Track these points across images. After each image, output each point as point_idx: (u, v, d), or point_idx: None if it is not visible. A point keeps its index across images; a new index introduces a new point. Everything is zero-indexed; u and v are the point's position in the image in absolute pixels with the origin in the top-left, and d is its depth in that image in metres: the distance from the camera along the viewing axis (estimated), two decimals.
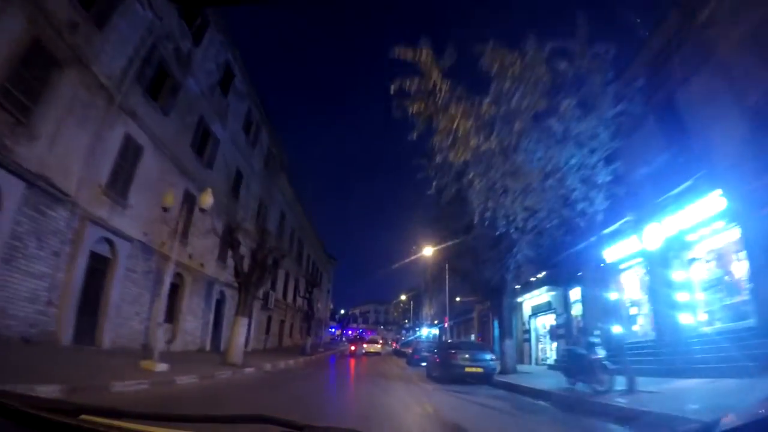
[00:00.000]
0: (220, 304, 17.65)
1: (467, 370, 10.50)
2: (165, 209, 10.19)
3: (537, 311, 18.43)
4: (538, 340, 18.81)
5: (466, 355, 10.76)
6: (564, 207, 9.05)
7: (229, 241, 11.87)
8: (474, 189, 8.28)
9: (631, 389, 7.22)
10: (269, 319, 25.02)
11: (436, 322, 42.42)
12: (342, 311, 78.87)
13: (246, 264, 12.09)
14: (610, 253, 13.63)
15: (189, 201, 15.65)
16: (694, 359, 8.80)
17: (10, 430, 1.01)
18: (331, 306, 54.00)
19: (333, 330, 68.28)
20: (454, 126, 7.34)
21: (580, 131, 8.62)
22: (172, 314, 14.41)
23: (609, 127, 9.17)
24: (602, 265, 14.03)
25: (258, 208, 22.46)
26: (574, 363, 8.67)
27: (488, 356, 10.96)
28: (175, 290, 14.65)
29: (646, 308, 12.35)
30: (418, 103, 7.18)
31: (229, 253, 12.23)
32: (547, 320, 18.14)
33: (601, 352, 8.06)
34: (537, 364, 18.05)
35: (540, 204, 9.01)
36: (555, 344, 17.39)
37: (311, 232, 37.68)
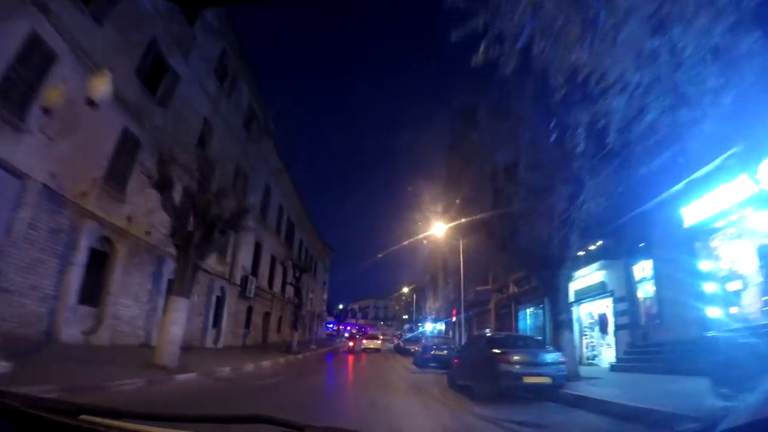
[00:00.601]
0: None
1: (527, 380, 6.42)
2: (45, 110, 6.23)
3: (582, 296, 14.45)
4: (582, 333, 14.85)
5: (519, 357, 6.68)
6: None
7: (157, 179, 7.88)
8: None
9: None
10: (249, 310, 21.04)
11: (441, 316, 38.56)
12: (340, 306, 75.26)
13: (187, 218, 8.13)
14: (696, 209, 9.76)
15: (130, 145, 11.75)
16: None
17: (10, 430, 1.01)
18: (325, 296, 49.97)
19: (331, 325, 64.94)
20: None
21: None
22: (95, 294, 10.49)
23: None
24: (685, 226, 10.15)
25: (235, 175, 18.47)
26: (738, 362, 4.76)
27: (554, 357, 6.95)
28: (101, 261, 10.72)
29: (757, 281, 8.54)
30: None
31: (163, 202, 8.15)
32: (596, 307, 14.22)
33: None
34: (582, 363, 14.12)
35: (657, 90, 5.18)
36: (609, 337, 13.53)
37: (304, 215, 33.70)
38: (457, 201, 15.58)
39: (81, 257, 9.89)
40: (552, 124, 6.65)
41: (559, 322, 9.04)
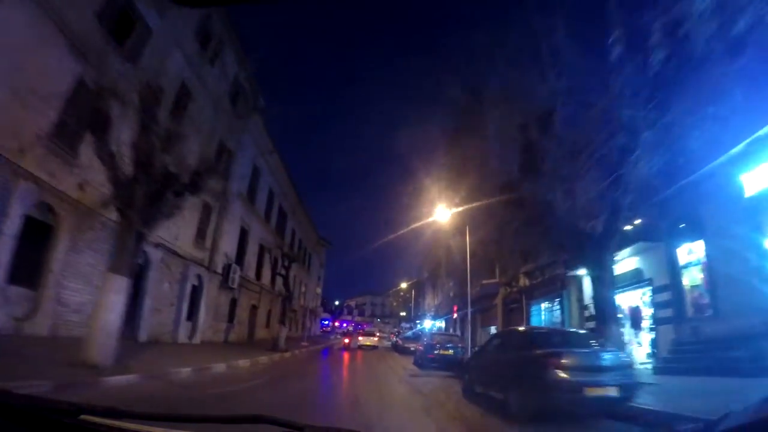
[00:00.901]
0: (141, 269, 11.80)
1: (590, 392, 4.52)
2: None
3: None
4: None
5: (576, 360, 4.74)
6: None
7: (89, 115, 5.97)
8: None
9: None
10: (233, 302, 19.09)
11: (441, 313, 36.76)
12: (336, 302, 73.52)
13: (132, 172, 6.20)
14: (760, 175, 7.95)
15: (86, 99, 9.79)
16: None
17: (10, 430, 0.99)
18: (320, 291, 47.96)
19: (326, 322, 63.32)
20: None
21: None
22: (33, 274, 8.58)
23: None
24: (746, 196, 8.32)
25: (218, 151, 16.52)
26: None
27: (619, 359, 5.03)
28: (43, 234, 8.81)
29: None
30: None
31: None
32: (626, 299, 12.41)
33: None
34: None
35: None
36: (642, 333, 11.78)
37: (298, 204, 31.73)
38: (468, 180, 13.82)
39: (13, 226, 7.95)
40: (612, 38, 4.81)
41: (605, 316, 7.19)
